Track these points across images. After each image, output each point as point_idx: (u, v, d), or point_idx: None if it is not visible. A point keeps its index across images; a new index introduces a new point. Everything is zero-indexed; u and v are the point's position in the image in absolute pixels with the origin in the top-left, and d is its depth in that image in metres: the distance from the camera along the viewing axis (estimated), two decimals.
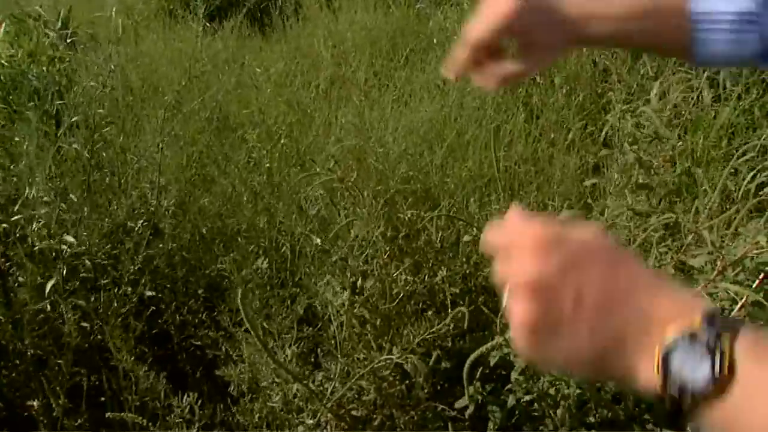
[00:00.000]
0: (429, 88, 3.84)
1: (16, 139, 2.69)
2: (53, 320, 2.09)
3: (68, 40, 4.73)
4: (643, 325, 0.50)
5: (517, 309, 0.54)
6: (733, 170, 2.49)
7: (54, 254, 2.18)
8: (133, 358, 1.89)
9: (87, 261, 2.27)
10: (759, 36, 0.76)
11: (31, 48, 4.12)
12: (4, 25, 4.46)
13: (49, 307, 2.09)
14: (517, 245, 0.57)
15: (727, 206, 2.08)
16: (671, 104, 3.22)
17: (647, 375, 0.49)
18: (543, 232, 0.56)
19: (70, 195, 2.38)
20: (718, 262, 1.46)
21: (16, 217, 2.18)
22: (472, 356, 1.42)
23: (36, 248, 2.14)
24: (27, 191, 2.28)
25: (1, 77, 3.63)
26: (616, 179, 2.30)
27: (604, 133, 3.24)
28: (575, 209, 2.45)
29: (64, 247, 2.16)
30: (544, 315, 0.53)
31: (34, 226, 2.18)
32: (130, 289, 2.28)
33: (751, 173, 2.39)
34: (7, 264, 2.22)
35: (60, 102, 3.39)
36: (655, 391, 0.49)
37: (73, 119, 2.87)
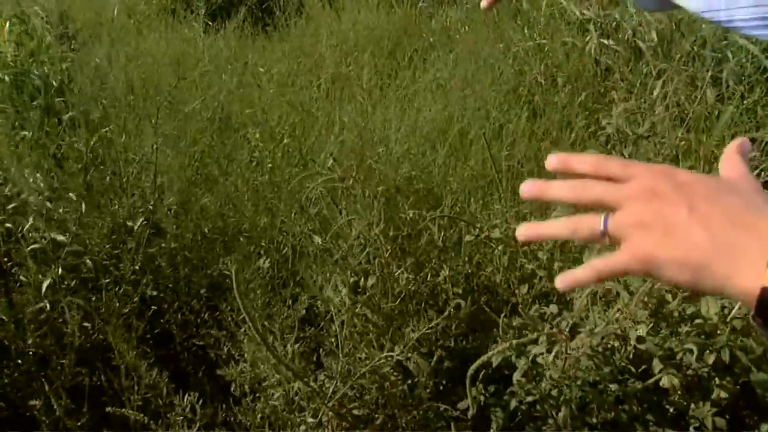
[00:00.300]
0: (431, 88, 3.84)
1: (19, 137, 2.69)
2: (54, 319, 2.09)
3: (70, 40, 4.74)
4: (762, 245, 0.52)
5: (631, 210, 0.57)
6: None
7: (51, 253, 2.18)
8: (134, 356, 1.89)
9: (88, 260, 2.27)
10: None
11: (33, 48, 4.12)
12: (8, 24, 4.47)
13: (48, 306, 2.09)
14: (632, 171, 0.60)
15: None
16: (674, 103, 3.22)
17: (749, 287, 0.52)
18: (655, 165, 0.60)
19: (70, 194, 2.37)
20: None
21: (10, 206, 2.18)
22: (476, 363, 1.42)
23: (29, 248, 2.14)
24: (26, 190, 2.29)
25: (6, 77, 3.63)
26: None
27: (605, 132, 3.23)
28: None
29: (59, 239, 2.17)
30: (660, 213, 0.56)
31: (28, 223, 2.19)
32: (131, 288, 2.28)
33: (755, 172, 2.38)
34: (9, 264, 2.22)
35: (60, 99, 3.40)
36: (750, 303, 0.52)
37: (70, 115, 2.89)
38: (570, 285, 0.60)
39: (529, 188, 0.64)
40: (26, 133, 2.98)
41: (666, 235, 0.55)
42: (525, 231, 0.63)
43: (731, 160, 0.62)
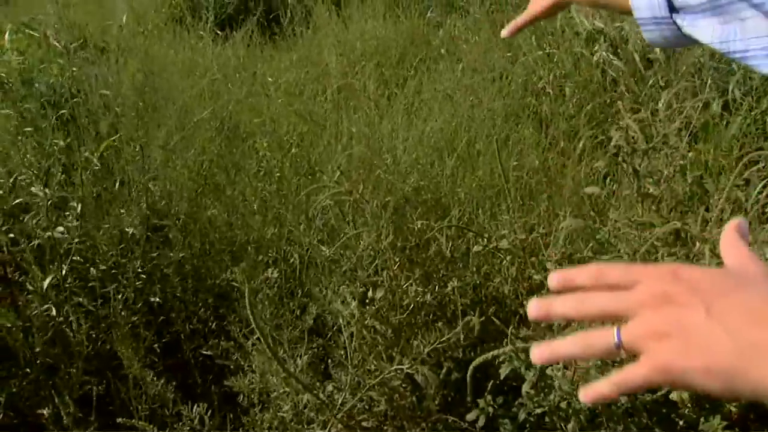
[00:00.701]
0: (439, 98, 3.84)
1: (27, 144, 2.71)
2: (60, 324, 2.10)
3: (78, 48, 4.76)
4: None
5: (644, 319, 0.55)
6: (744, 180, 2.48)
7: (53, 251, 2.20)
8: (142, 366, 1.89)
9: (92, 269, 2.28)
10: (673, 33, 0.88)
11: (41, 56, 4.14)
12: (8, 33, 4.47)
13: (54, 310, 2.10)
14: (636, 277, 0.57)
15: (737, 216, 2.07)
16: (681, 113, 3.21)
17: None
18: (658, 265, 0.57)
19: (73, 202, 2.38)
20: None
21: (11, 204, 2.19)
22: (476, 361, 1.42)
23: (32, 243, 2.15)
24: (35, 190, 2.30)
25: (11, 84, 3.65)
26: (624, 189, 2.30)
27: (613, 142, 3.23)
28: (583, 219, 2.44)
29: (59, 235, 2.18)
30: (675, 319, 0.53)
31: (31, 222, 2.20)
32: (137, 296, 2.29)
33: (762, 182, 2.38)
34: (17, 272, 2.23)
35: (64, 111, 3.41)
36: None
37: (78, 123, 2.90)
38: (594, 400, 0.57)
39: (535, 309, 0.61)
40: (33, 139, 3.00)
41: (685, 341, 0.52)
42: (540, 353, 0.60)
43: (732, 244, 0.60)
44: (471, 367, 1.48)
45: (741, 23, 0.80)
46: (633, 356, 0.55)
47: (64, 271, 2.13)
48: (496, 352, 1.52)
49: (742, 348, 0.50)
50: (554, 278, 0.62)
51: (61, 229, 2.18)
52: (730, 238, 0.60)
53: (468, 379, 1.50)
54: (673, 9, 0.86)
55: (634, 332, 0.55)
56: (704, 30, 0.84)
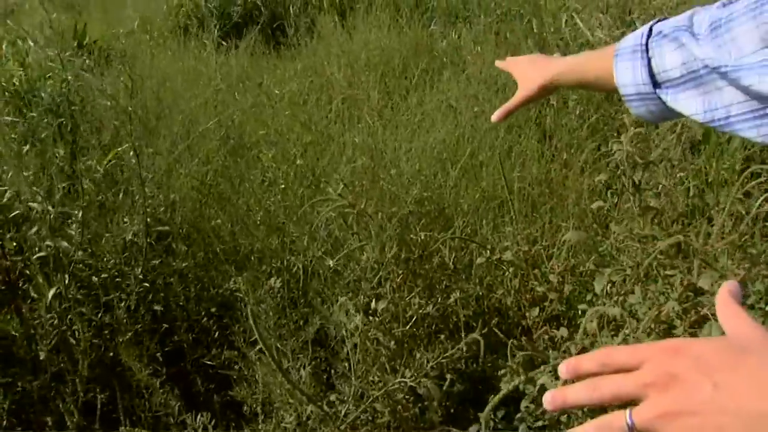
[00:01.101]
0: (442, 108, 3.86)
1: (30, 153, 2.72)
2: (64, 332, 2.11)
3: (84, 57, 4.78)
4: None
5: (653, 400, 0.55)
6: (744, 194, 2.49)
7: (57, 261, 2.21)
8: (146, 374, 1.90)
9: (94, 277, 2.30)
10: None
11: (44, 65, 4.16)
12: (5, 44, 4.48)
13: (57, 319, 2.11)
14: (641, 357, 0.58)
15: (739, 229, 2.08)
16: (685, 127, 3.23)
17: None
18: (662, 343, 0.58)
19: (75, 211, 2.39)
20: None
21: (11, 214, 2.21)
22: (495, 399, 1.42)
23: (35, 257, 2.16)
24: (37, 206, 2.32)
25: (14, 93, 3.66)
26: (625, 202, 2.30)
27: (616, 154, 3.23)
28: (586, 232, 2.45)
29: (64, 246, 2.19)
30: (683, 398, 0.54)
31: (32, 230, 2.22)
32: (139, 304, 2.30)
33: (764, 195, 2.38)
34: (21, 281, 2.24)
35: (64, 120, 3.43)
36: None
37: (82, 132, 2.91)
38: None
39: (551, 401, 0.62)
40: (34, 147, 3.01)
41: (696, 419, 0.53)
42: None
43: (729, 309, 0.60)
44: (488, 408, 1.49)
45: (719, 92, 0.84)
46: None
47: (67, 280, 2.15)
48: (510, 387, 1.53)
49: (753, 420, 0.51)
50: (564, 369, 0.63)
51: (65, 244, 2.19)
52: (726, 304, 0.61)
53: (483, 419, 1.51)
54: (656, 84, 0.91)
55: (645, 415, 0.56)
56: (687, 102, 0.88)
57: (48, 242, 2.21)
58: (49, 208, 2.28)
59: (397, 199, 2.40)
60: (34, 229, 2.23)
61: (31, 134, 3.23)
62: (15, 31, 4.64)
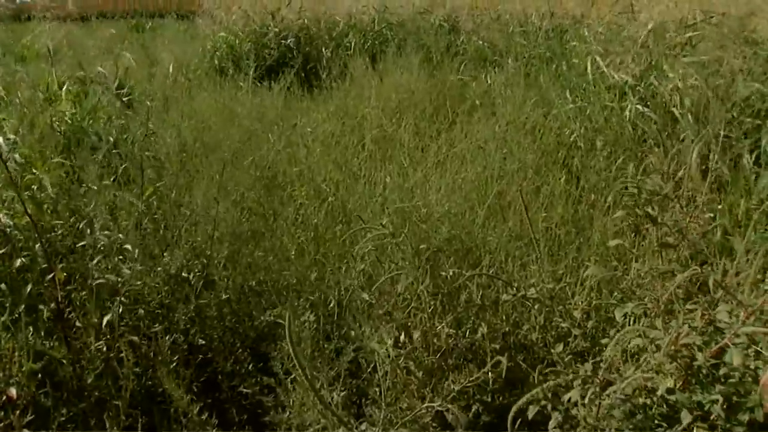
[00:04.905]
0: (471, 149, 3.95)
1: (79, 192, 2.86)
2: (111, 360, 2.21)
3: (126, 99, 4.99)
4: None
5: None
6: None
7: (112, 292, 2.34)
8: (187, 401, 1.98)
9: (141, 309, 2.41)
10: None
11: (91, 106, 4.36)
12: (66, 84, 4.75)
13: (105, 346, 2.22)
14: None
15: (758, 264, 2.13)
16: (710, 166, 3.28)
17: None
18: None
19: (127, 246, 2.51)
20: (742, 314, 1.52)
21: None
22: (515, 407, 1.49)
23: (95, 282, 2.29)
24: (87, 240, 2.45)
25: (66, 132, 3.85)
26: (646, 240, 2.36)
27: (642, 194, 3.29)
28: (607, 269, 2.50)
29: (122, 277, 2.32)
30: None
31: (95, 260, 2.35)
32: (182, 336, 2.40)
33: None
34: (69, 309, 2.35)
35: (115, 153, 3.59)
36: None
37: (124, 169, 3.05)
38: None
39: None
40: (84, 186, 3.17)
41: None
42: None
43: None
44: (511, 415, 1.55)
45: None
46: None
47: (120, 310, 2.27)
48: (528, 396, 1.59)
49: None
50: None
51: (126, 270, 2.32)
52: None
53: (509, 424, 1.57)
54: None
55: None
56: None
57: (108, 275, 2.34)
58: (119, 236, 2.41)
59: (426, 236, 2.48)
60: (97, 260, 2.35)
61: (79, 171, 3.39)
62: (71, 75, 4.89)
